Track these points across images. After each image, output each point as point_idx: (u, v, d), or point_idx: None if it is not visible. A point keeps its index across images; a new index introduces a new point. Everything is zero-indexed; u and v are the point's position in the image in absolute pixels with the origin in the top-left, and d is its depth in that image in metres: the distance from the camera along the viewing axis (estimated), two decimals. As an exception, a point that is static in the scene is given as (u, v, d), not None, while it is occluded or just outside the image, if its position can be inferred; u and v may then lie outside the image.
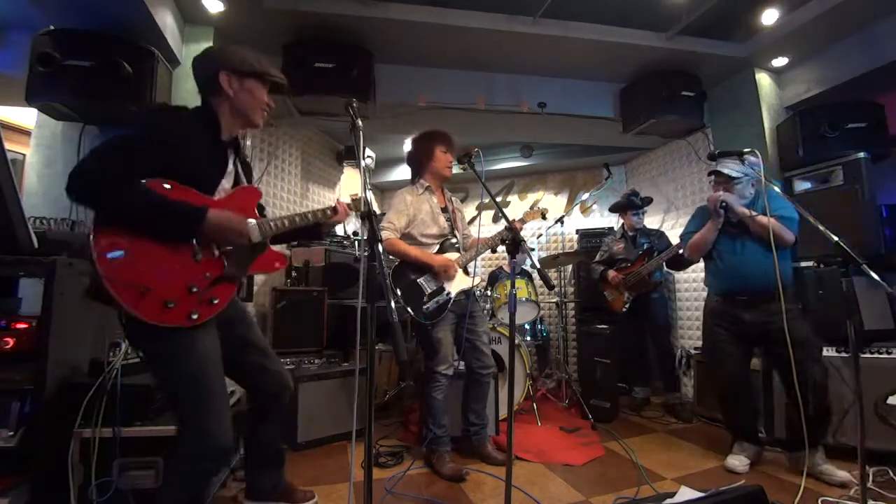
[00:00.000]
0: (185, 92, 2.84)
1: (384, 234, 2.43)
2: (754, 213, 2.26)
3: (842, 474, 2.09)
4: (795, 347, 2.09)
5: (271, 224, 1.53)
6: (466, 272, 2.56)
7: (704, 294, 3.80)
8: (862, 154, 2.79)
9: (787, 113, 3.46)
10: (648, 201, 3.81)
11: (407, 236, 2.49)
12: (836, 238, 1.67)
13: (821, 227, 1.82)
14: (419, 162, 2.59)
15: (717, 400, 2.61)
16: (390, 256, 2.52)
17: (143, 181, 1.28)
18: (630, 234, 3.73)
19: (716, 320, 2.46)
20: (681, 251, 3.28)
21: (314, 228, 1.77)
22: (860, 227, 2.69)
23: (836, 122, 3.01)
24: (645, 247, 3.55)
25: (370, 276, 1.29)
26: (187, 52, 2.89)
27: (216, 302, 1.39)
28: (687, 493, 1.69)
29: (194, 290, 1.33)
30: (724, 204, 2.31)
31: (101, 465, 1.63)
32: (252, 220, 1.47)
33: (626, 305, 3.54)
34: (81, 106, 2.49)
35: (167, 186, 1.32)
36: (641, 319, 3.61)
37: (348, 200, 1.79)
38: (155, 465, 1.71)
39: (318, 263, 3.58)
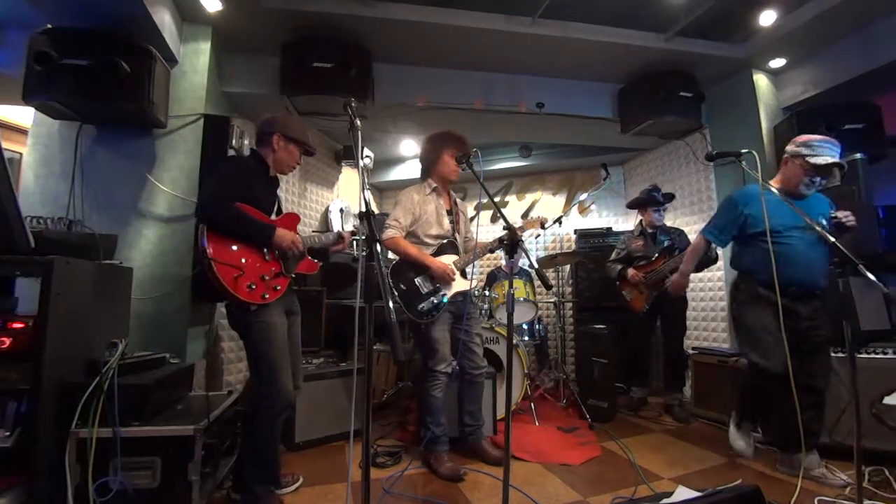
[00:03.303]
0: (183, 91, 2.84)
1: (390, 233, 2.45)
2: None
3: (835, 478, 2.09)
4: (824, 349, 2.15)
5: (308, 239, 2.11)
6: (464, 275, 2.57)
7: (705, 294, 3.87)
8: (859, 155, 2.79)
9: (784, 114, 3.47)
10: (671, 198, 3.68)
11: (411, 235, 2.51)
12: (832, 239, 1.68)
13: (817, 228, 1.83)
14: (428, 163, 2.60)
15: (749, 389, 2.38)
16: (390, 255, 2.53)
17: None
18: (649, 231, 3.63)
19: (768, 310, 2.20)
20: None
21: (324, 251, 2.25)
22: (858, 228, 2.70)
23: (834, 123, 3.03)
24: (665, 244, 3.47)
25: (368, 276, 1.30)
26: (185, 51, 2.88)
27: (278, 288, 1.96)
28: (684, 492, 1.70)
29: (265, 278, 1.92)
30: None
31: (99, 465, 1.63)
32: (300, 237, 2.05)
33: (648, 305, 3.45)
34: (79, 105, 2.48)
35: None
36: (654, 319, 3.56)
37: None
38: (153, 465, 1.71)
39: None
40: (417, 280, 2.43)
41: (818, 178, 2.21)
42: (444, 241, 2.54)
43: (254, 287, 1.87)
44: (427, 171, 2.61)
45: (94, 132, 2.70)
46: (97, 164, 2.67)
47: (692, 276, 3.62)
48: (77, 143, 2.62)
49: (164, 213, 2.72)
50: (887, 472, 2.10)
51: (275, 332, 1.92)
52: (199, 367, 2.63)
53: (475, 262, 2.52)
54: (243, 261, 1.87)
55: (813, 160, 2.14)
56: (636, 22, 3.14)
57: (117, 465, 1.64)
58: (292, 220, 2.15)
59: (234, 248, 1.87)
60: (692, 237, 3.61)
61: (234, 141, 2.84)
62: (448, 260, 2.49)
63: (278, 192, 2.22)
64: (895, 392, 1.95)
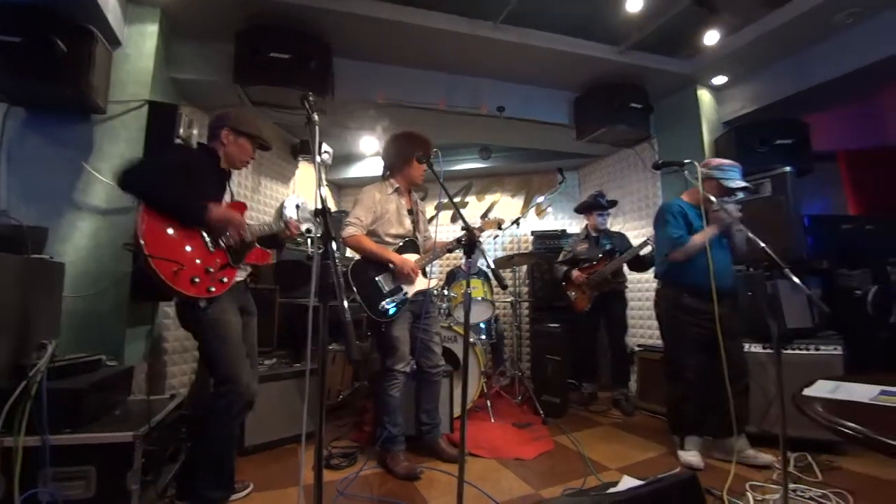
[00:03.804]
0: (125, 74, 2.65)
1: (351, 230, 2.40)
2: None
3: (764, 457, 2.31)
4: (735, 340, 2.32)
5: (257, 228, 2.03)
6: (424, 273, 2.57)
7: (649, 294, 4.06)
8: (788, 168, 3.03)
9: (724, 128, 3.73)
10: (614, 204, 3.92)
11: (371, 234, 2.48)
12: (762, 244, 1.82)
13: (750, 234, 1.98)
14: (393, 163, 2.56)
15: (676, 398, 2.55)
16: (347, 253, 2.49)
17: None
18: (593, 234, 3.82)
19: (692, 317, 2.42)
20: (642, 253, 3.39)
21: (276, 238, 2.16)
22: (786, 235, 2.92)
23: (767, 138, 3.29)
24: (607, 247, 3.65)
25: (323, 275, 1.27)
26: (130, 33, 2.70)
27: (225, 281, 1.88)
28: (629, 481, 1.78)
29: (210, 270, 1.84)
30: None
31: (27, 476, 1.51)
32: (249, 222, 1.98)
33: (590, 305, 3.61)
34: (7, 85, 2.27)
35: None
36: (598, 318, 3.72)
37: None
38: (87, 475, 1.60)
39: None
40: (378, 279, 2.40)
41: (727, 198, 2.40)
42: (405, 240, 2.53)
43: (198, 280, 1.78)
44: (391, 171, 2.58)
45: (24, 115, 2.47)
46: (26, 150, 2.45)
47: (636, 275, 3.90)
48: (3, 126, 2.39)
49: (102, 204, 2.54)
50: (810, 457, 2.30)
51: (228, 327, 1.85)
52: (139, 370, 2.47)
53: (434, 262, 2.54)
54: (184, 252, 1.78)
55: (727, 183, 2.37)
56: (592, 34, 3.26)
57: (46, 476, 1.52)
58: (237, 208, 2.06)
59: (172, 238, 1.77)
60: (634, 241, 3.78)
61: (181, 130, 2.69)
62: (411, 259, 2.48)
63: (231, 185, 2.12)
64: (815, 384, 2.13)
